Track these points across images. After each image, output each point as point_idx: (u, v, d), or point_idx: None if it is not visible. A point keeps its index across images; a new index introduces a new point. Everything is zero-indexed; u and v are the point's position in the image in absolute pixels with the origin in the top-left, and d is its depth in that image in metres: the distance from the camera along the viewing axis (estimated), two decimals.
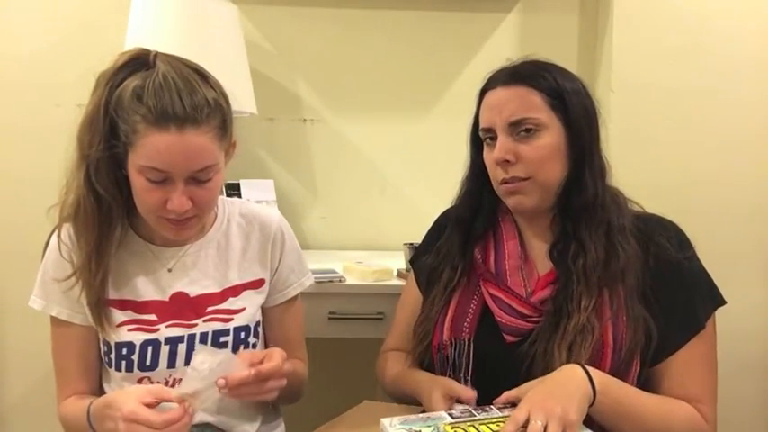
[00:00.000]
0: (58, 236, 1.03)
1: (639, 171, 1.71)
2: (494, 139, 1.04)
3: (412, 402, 1.05)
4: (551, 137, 1.01)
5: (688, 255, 1.01)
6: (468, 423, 0.86)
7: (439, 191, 1.36)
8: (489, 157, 1.05)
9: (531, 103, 1.01)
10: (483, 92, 1.08)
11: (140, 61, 0.96)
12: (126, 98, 0.93)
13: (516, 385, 0.91)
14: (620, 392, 0.93)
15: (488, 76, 1.08)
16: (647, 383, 0.99)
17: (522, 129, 1.01)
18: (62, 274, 1.02)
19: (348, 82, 1.99)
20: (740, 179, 1.78)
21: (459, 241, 1.12)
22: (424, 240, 1.25)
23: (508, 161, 1.01)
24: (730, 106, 1.77)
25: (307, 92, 1.99)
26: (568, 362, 0.93)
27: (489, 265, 1.08)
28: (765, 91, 1.77)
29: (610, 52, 1.79)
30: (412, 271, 1.25)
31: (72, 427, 1.06)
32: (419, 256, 1.23)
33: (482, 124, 1.06)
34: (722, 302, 1.02)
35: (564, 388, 0.87)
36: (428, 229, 1.25)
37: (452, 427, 0.85)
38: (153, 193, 0.95)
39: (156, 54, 0.97)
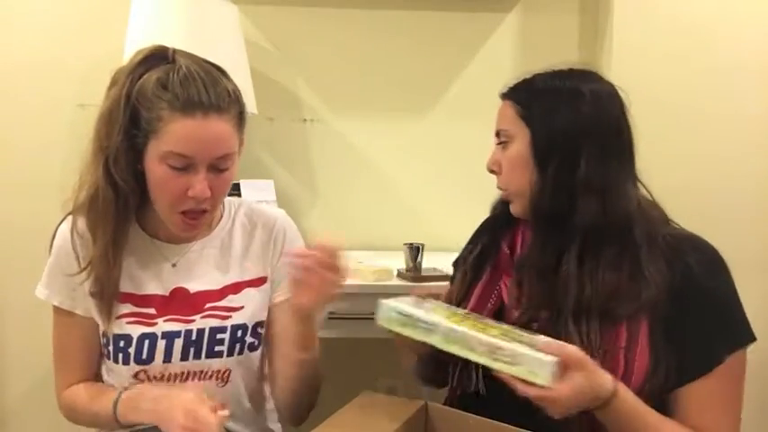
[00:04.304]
0: (72, 228, 1.04)
1: (639, 171, 1.71)
2: None
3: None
4: (517, 147, 1.02)
5: (718, 283, 0.95)
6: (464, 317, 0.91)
7: (439, 190, 1.36)
8: None
9: (506, 115, 1.05)
10: None
11: (159, 56, 1.00)
12: (150, 88, 0.96)
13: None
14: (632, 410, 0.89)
15: None
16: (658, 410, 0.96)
17: (499, 140, 1.06)
18: (73, 267, 1.03)
19: (348, 82, 1.99)
20: (740, 179, 1.78)
21: (489, 234, 1.13)
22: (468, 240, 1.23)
23: (494, 171, 1.07)
24: (731, 106, 1.77)
25: (307, 92, 1.99)
26: None
27: (515, 259, 1.07)
28: (766, 90, 1.77)
29: (610, 52, 1.79)
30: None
31: (82, 414, 1.07)
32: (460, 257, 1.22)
33: None
34: (751, 339, 0.96)
35: (586, 400, 0.84)
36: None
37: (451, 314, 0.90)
38: (174, 181, 0.97)
39: (175, 50, 1.01)
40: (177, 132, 0.95)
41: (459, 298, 1.10)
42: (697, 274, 0.94)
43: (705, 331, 0.93)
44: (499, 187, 1.07)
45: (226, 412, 0.92)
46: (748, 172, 1.78)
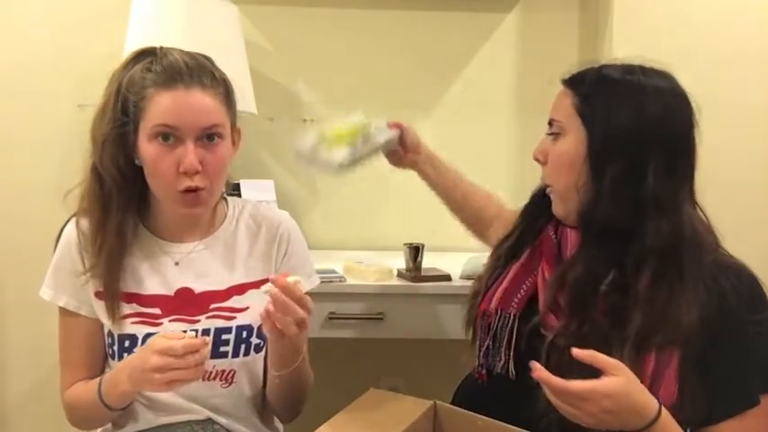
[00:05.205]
0: (76, 228, 1.04)
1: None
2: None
3: None
4: (569, 143, 0.95)
5: (757, 317, 0.88)
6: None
7: None
8: None
9: (562, 105, 0.97)
10: None
11: (148, 52, 1.02)
12: (136, 75, 0.99)
13: (550, 369, 0.81)
14: None
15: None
16: None
17: (550, 129, 0.99)
18: (78, 267, 1.03)
19: (348, 82, 1.99)
20: (740, 180, 1.78)
21: (533, 211, 1.07)
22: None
23: (538, 160, 1.01)
24: (731, 106, 1.76)
25: (307, 92, 1.99)
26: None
27: (559, 247, 1.01)
28: (766, 90, 1.77)
29: (610, 52, 1.79)
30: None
31: (79, 409, 1.07)
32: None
33: None
34: None
35: (623, 419, 0.79)
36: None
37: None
38: (164, 158, 0.98)
39: (163, 47, 1.03)
40: (161, 104, 0.97)
41: (494, 277, 1.06)
42: (733, 305, 0.88)
43: (739, 368, 0.88)
44: (542, 179, 1.02)
45: (191, 334, 0.92)
46: (748, 172, 1.78)
